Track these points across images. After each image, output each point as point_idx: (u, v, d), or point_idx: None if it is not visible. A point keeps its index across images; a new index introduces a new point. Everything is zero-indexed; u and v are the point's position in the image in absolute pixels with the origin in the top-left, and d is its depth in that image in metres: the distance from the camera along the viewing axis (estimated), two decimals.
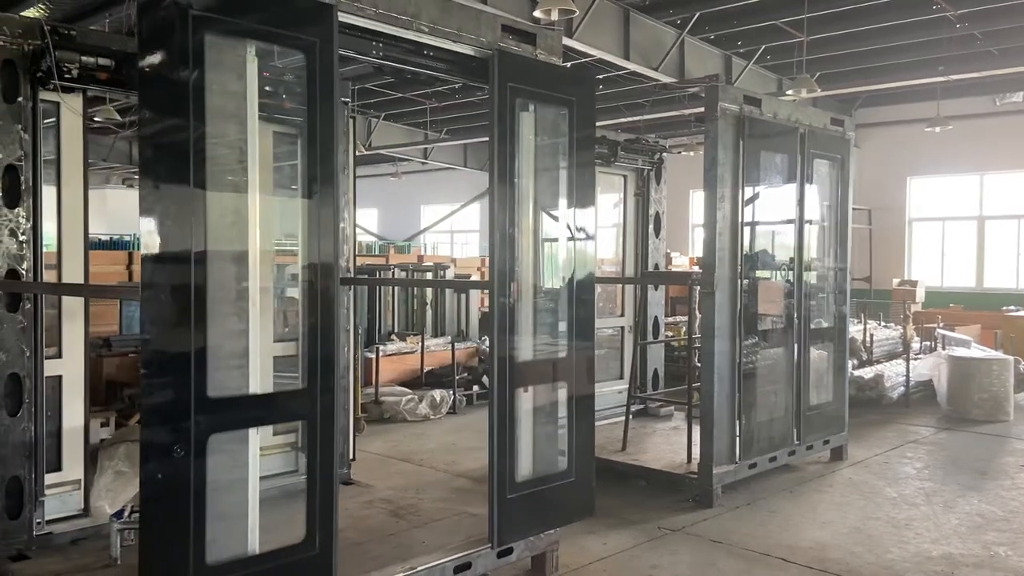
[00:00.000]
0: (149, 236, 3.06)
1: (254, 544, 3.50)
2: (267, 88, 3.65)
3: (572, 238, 4.70)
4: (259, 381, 3.59)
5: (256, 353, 3.56)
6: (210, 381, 3.20)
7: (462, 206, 25.80)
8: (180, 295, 3.12)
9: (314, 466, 3.55)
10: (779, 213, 6.78)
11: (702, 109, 6.35)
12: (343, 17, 3.71)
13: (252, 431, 3.54)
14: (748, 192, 6.27)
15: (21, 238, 4.28)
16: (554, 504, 4.60)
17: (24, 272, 4.28)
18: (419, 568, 4.06)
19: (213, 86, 3.24)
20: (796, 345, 6.78)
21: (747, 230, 6.32)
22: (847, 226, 7.50)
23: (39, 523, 4.43)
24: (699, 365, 6.51)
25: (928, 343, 11.41)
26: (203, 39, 3.15)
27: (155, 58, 3.07)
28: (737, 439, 6.24)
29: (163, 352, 3.12)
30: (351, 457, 6.10)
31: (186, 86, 3.11)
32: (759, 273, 6.53)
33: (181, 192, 3.12)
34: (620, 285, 8.40)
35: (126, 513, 4.41)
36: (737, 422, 6.23)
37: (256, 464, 3.55)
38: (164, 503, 3.13)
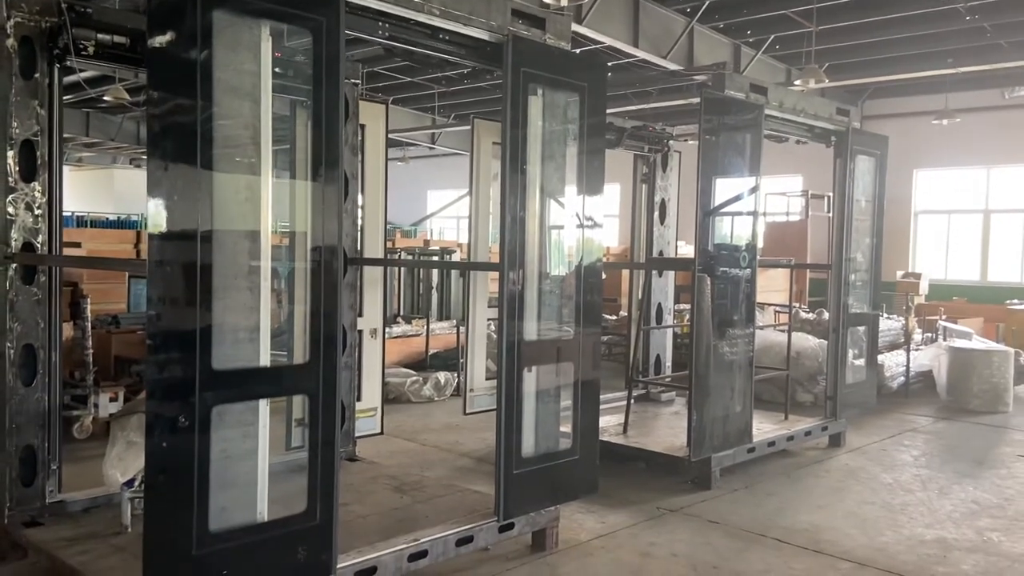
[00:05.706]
0: (156, 214, 3.10)
1: (263, 512, 3.59)
2: (278, 69, 3.70)
3: (581, 224, 4.77)
4: (268, 355, 3.67)
5: (266, 328, 3.64)
6: (216, 354, 3.25)
7: (468, 191, 25.75)
8: (185, 272, 3.18)
9: (316, 439, 3.60)
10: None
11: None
12: None
13: (262, 403, 3.63)
14: None
15: (37, 212, 4.36)
16: (558, 481, 4.69)
17: (39, 245, 4.37)
18: (422, 540, 4.14)
19: (221, 65, 3.27)
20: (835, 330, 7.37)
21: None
22: (882, 219, 7.88)
23: (51, 491, 4.52)
24: None
25: (930, 334, 11.47)
26: (211, 17, 3.19)
27: (164, 36, 3.12)
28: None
29: (169, 326, 3.17)
30: (380, 431, 6.26)
31: (194, 64, 3.16)
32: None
33: (188, 171, 3.17)
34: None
35: (136, 482, 4.50)
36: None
37: (266, 435, 3.64)
38: (169, 472, 3.20)
